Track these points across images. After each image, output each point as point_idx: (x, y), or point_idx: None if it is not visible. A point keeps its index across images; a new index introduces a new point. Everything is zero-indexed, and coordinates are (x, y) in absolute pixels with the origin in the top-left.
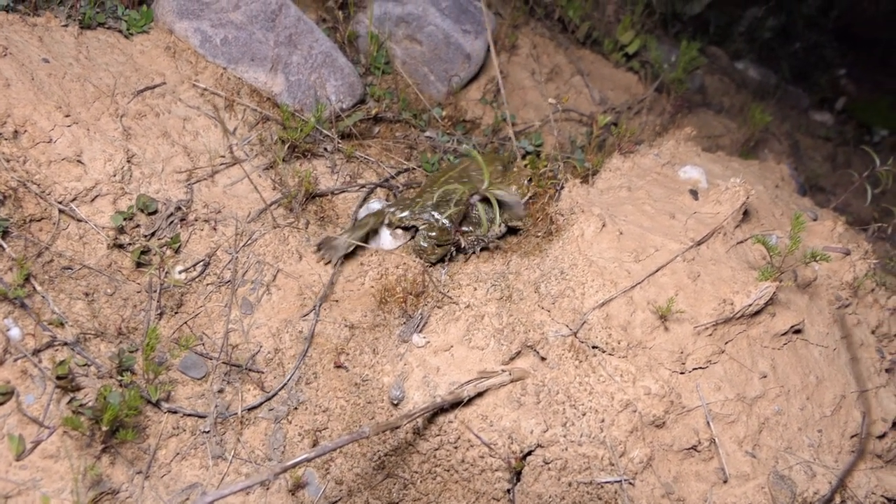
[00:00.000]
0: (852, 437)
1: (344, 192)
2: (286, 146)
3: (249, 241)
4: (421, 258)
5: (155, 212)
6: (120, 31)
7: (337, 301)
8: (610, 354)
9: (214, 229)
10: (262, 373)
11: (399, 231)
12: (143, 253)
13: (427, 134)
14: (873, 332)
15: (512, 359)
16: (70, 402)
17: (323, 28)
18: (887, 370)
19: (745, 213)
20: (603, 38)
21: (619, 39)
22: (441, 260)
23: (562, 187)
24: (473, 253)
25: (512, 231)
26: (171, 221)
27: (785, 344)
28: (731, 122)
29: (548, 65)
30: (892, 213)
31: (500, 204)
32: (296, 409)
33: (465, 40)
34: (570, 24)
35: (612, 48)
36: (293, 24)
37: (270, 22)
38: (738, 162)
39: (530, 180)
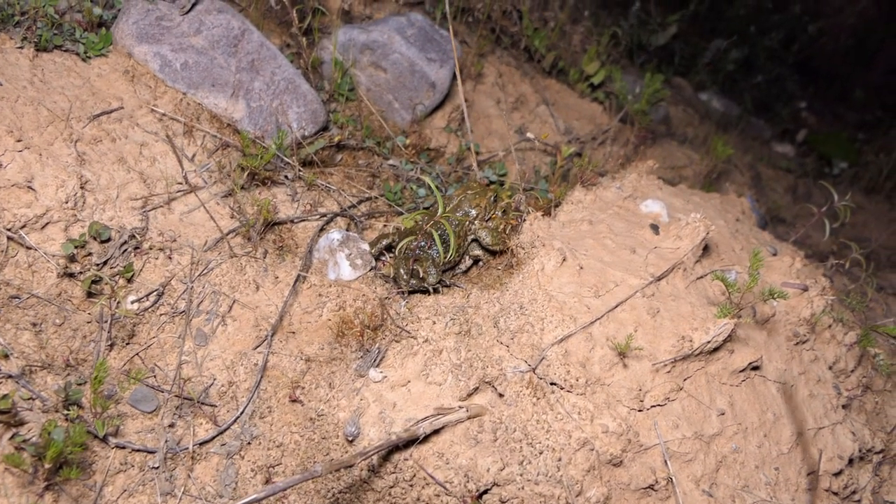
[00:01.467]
0: (809, 474)
1: (304, 220)
2: (245, 173)
3: (205, 271)
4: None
5: (108, 240)
6: (77, 54)
7: (294, 333)
8: (568, 391)
9: (169, 258)
10: (215, 406)
11: (359, 261)
12: (94, 282)
13: (390, 162)
14: (830, 368)
15: (469, 395)
16: (12, 437)
17: (287, 54)
18: (844, 406)
19: (706, 249)
20: (569, 67)
21: (584, 69)
22: (414, 291)
23: (523, 220)
24: (437, 290)
25: (475, 262)
26: (125, 250)
27: (743, 381)
28: (695, 153)
29: (513, 94)
30: (849, 247)
31: (457, 237)
32: (249, 444)
33: (430, 69)
34: (536, 54)
35: (578, 78)
36: (256, 50)
37: (232, 47)
38: (699, 195)
39: (505, 212)
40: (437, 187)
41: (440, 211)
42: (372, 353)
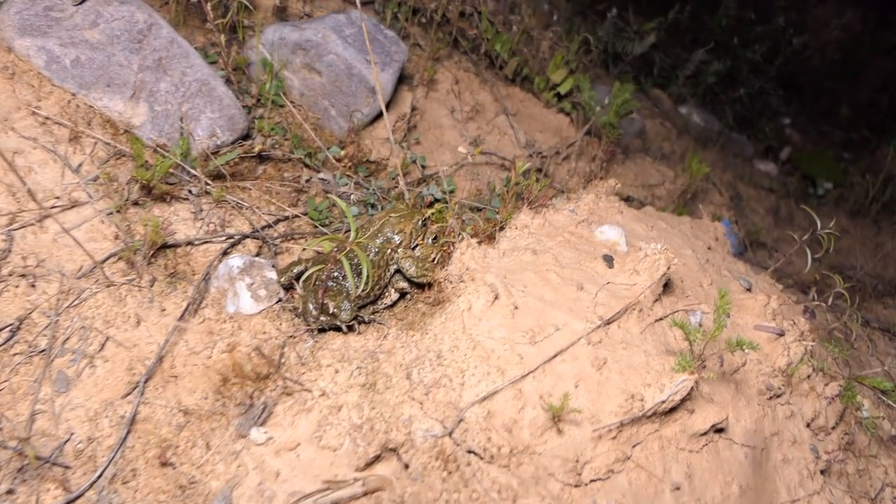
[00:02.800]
0: None
1: (207, 242)
2: (137, 187)
3: (76, 302)
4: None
5: None
6: None
7: (176, 377)
8: (488, 462)
9: (32, 286)
10: (69, 468)
11: (262, 292)
12: None
13: (321, 176)
14: (808, 426)
15: (369, 464)
16: None
17: (211, 54)
18: (822, 472)
19: (667, 285)
20: (534, 75)
21: (550, 78)
22: (327, 329)
23: (456, 247)
24: (352, 328)
25: (401, 295)
26: None
27: (704, 445)
28: (671, 170)
29: (470, 102)
30: (834, 274)
31: (381, 268)
32: None
33: (369, 72)
34: (497, 60)
35: (544, 87)
36: (164, 47)
37: (136, 43)
38: (666, 219)
39: (436, 238)
40: (346, 206)
41: (352, 236)
42: (255, 409)
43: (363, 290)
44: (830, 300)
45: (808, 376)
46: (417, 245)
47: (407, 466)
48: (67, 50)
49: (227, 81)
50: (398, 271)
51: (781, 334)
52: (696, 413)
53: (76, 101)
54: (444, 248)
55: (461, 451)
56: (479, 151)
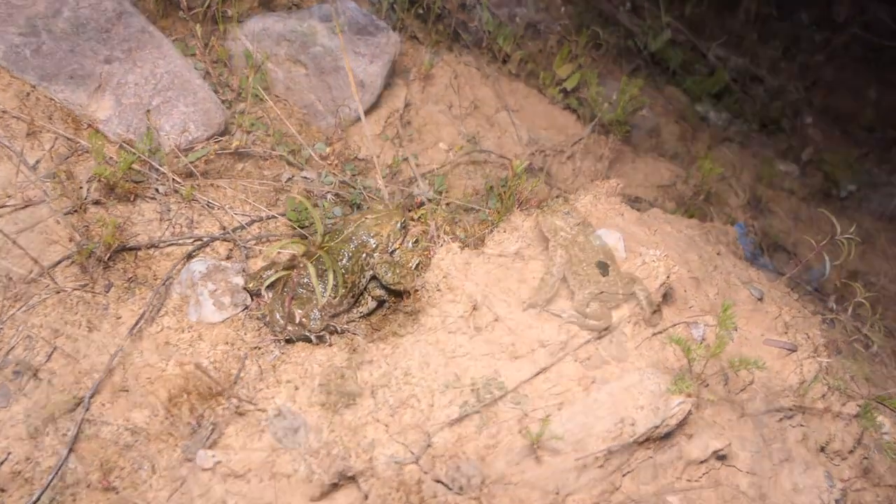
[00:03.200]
0: None
1: (172, 244)
2: (98, 185)
3: (24, 308)
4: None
5: None
6: None
7: (127, 391)
8: (457, 494)
9: None
10: (4, 491)
11: (226, 300)
12: None
13: (304, 174)
14: (822, 450)
15: (325, 494)
16: None
17: (191, 45)
18: (837, 501)
19: (668, 294)
20: (539, 70)
21: (556, 72)
22: (296, 339)
23: (435, 253)
24: (322, 339)
25: (379, 303)
26: None
27: (704, 474)
28: (683, 170)
29: (469, 97)
30: (856, 278)
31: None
32: None
33: (357, 64)
34: (500, 54)
35: (549, 82)
36: (135, 37)
37: (104, 32)
38: (673, 223)
39: (416, 241)
40: (311, 204)
41: (318, 239)
42: (203, 430)
43: (334, 298)
44: (851, 309)
45: (823, 395)
46: (396, 249)
47: (366, 497)
48: (28, 39)
49: (206, 74)
50: (374, 277)
51: (794, 350)
52: (696, 438)
53: (36, 93)
54: (426, 253)
55: (427, 481)
56: (459, 148)
